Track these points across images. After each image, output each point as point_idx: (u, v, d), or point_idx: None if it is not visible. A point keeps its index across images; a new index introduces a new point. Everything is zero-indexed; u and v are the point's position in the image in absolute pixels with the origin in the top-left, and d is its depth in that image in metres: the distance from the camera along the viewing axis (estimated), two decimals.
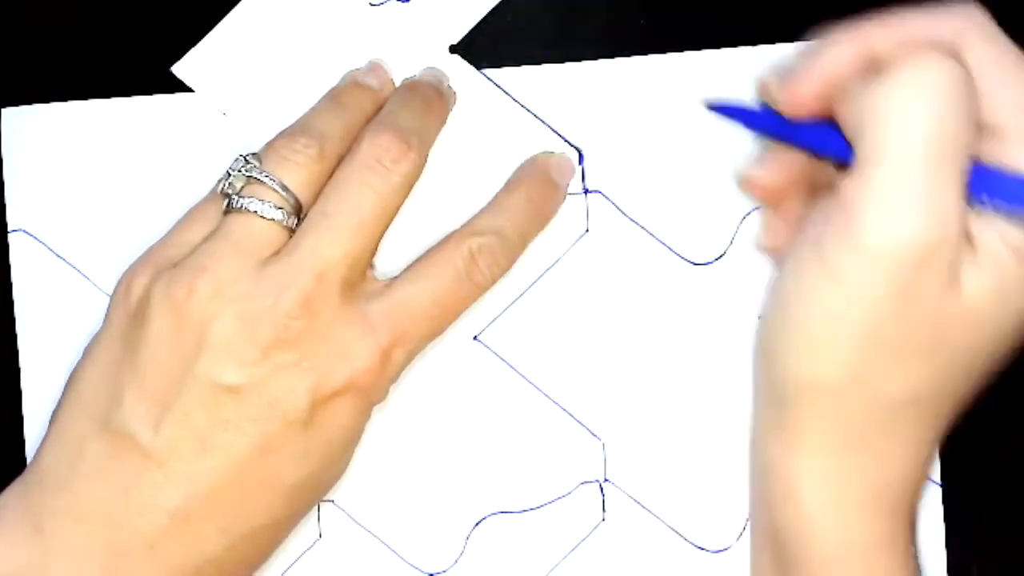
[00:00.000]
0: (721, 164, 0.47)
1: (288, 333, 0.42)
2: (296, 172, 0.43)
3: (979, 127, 0.39)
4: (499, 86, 0.48)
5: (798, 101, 0.42)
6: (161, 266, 0.43)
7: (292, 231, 0.43)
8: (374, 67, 0.47)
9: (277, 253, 0.43)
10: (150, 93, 0.48)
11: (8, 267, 0.48)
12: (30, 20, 0.48)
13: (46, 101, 0.48)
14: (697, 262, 0.48)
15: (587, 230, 0.48)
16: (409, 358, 0.44)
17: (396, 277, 0.44)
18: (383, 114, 0.45)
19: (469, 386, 0.48)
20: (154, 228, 0.47)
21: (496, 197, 0.46)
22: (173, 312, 0.42)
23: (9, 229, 0.48)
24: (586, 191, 0.48)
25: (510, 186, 0.47)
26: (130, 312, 0.43)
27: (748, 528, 0.46)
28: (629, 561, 0.48)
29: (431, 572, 0.48)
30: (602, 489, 0.48)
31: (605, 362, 0.48)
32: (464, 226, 0.45)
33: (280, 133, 0.45)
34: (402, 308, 0.44)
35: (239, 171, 0.44)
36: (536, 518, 0.48)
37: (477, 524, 0.48)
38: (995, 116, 0.39)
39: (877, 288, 0.38)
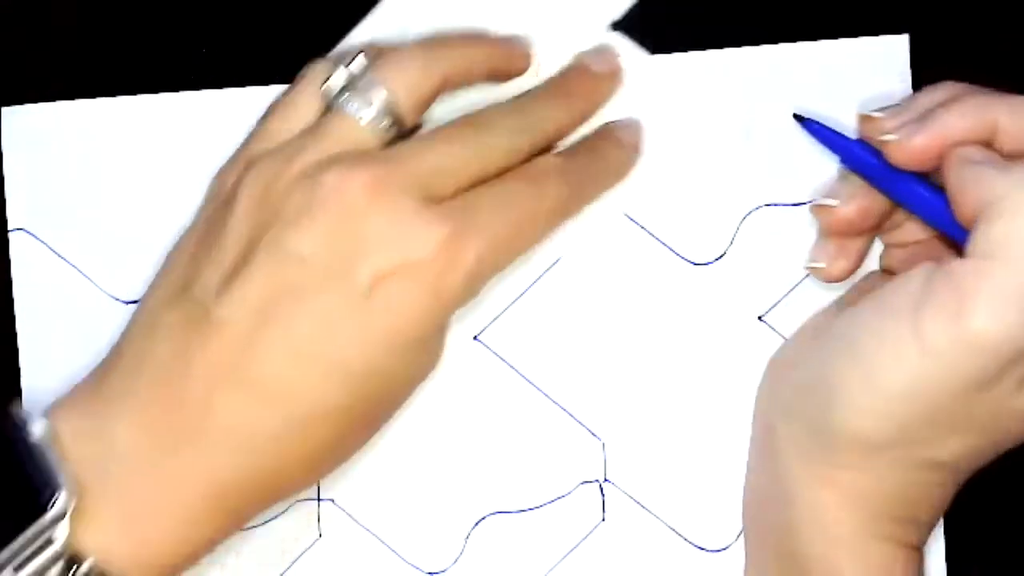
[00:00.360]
0: (721, 164, 0.47)
1: (355, 212, 0.42)
2: (405, 85, 0.44)
3: None
4: (652, 64, 0.48)
5: (909, 155, 0.42)
6: (253, 159, 0.44)
7: (389, 141, 0.43)
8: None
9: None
10: (150, 92, 0.48)
11: (8, 267, 0.48)
12: (30, 20, 0.48)
13: (46, 100, 0.48)
14: (697, 262, 0.48)
15: (587, 230, 0.48)
16: (482, 266, 0.43)
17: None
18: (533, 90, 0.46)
19: (469, 386, 0.48)
20: (154, 227, 0.47)
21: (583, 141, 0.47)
22: (259, 194, 0.43)
23: (9, 228, 0.48)
24: None
25: (598, 133, 0.47)
26: (220, 200, 0.44)
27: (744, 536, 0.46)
28: (629, 561, 0.48)
29: (431, 571, 0.48)
30: (602, 489, 0.48)
31: (605, 362, 0.48)
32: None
33: (395, 46, 0.45)
34: (475, 209, 0.43)
35: (348, 70, 0.44)
36: (536, 518, 0.48)
37: (477, 524, 0.48)
38: None
39: (968, 374, 0.39)
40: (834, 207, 0.44)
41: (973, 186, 0.40)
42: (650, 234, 0.48)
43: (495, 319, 0.48)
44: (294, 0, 0.48)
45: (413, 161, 0.43)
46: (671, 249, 0.48)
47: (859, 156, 0.44)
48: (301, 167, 0.43)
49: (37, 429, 0.41)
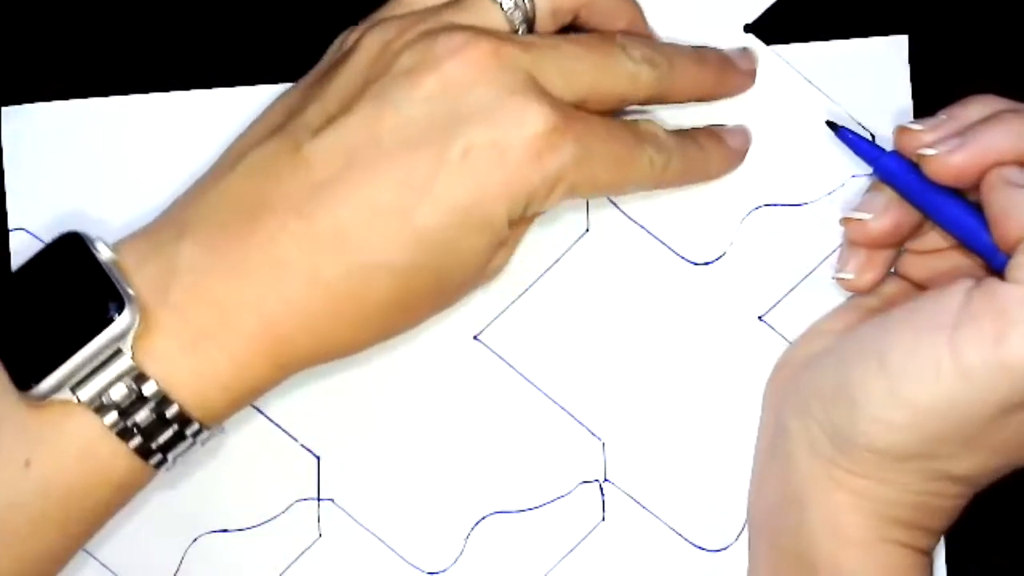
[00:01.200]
0: None
1: (468, 77, 0.42)
2: None
3: None
4: (791, 64, 0.48)
5: (948, 171, 0.42)
6: (381, 20, 0.44)
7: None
8: None
9: None
10: (150, 92, 0.48)
11: (8, 267, 0.48)
12: (30, 20, 0.48)
13: (46, 100, 0.48)
14: (697, 262, 0.48)
15: (587, 229, 0.48)
16: (564, 177, 0.42)
17: None
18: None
19: (469, 386, 0.48)
20: None
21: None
22: (378, 48, 0.43)
23: (9, 228, 0.48)
24: None
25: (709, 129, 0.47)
26: (340, 54, 0.44)
27: (747, 533, 0.46)
28: (629, 561, 0.48)
29: (431, 571, 0.48)
30: (602, 489, 0.48)
31: (605, 362, 0.48)
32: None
33: None
34: (583, 123, 0.43)
35: None
36: (536, 518, 0.48)
37: (477, 523, 0.48)
38: None
39: (1001, 398, 0.39)
40: (867, 221, 0.44)
41: (1017, 211, 0.40)
42: (650, 234, 0.48)
43: (495, 319, 0.48)
44: (294, 0, 0.48)
45: (538, 49, 0.43)
46: (671, 249, 0.48)
47: (894, 168, 0.44)
48: (425, 28, 0.43)
49: (103, 249, 0.42)
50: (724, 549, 0.48)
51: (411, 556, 0.48)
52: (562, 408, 0.48)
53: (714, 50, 0.47)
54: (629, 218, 0.48)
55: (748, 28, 0.48)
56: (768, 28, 0.48)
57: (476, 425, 0.48)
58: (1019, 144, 0.41)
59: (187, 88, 0.48)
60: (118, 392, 0.40)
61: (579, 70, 0.43)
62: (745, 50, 0.48)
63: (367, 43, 0.43)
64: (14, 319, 0.41)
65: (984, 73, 0.48)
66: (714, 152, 0.47)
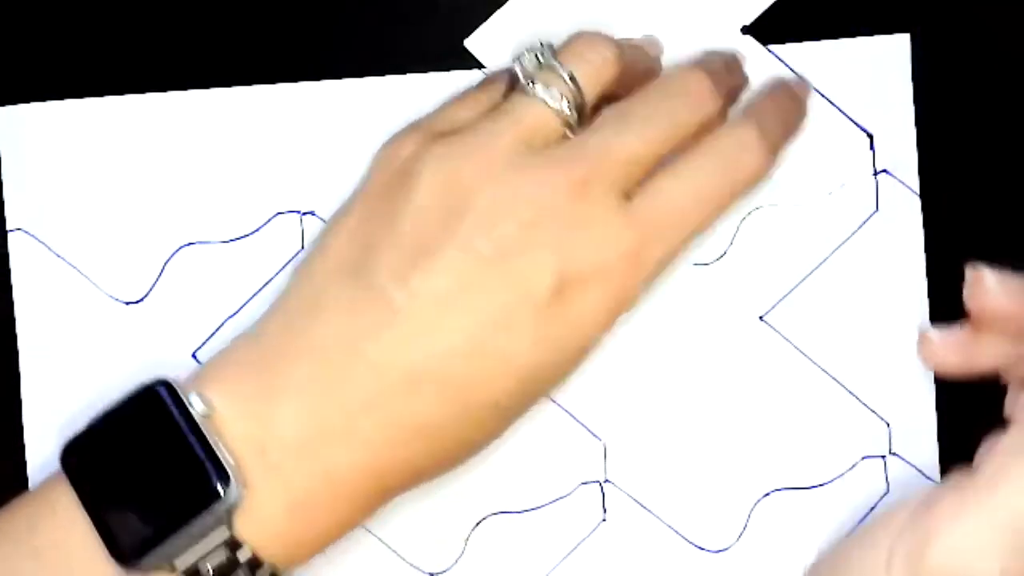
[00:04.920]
0: None
1: (550, 213, 0.41)
2: (589, 70, 0.43)
3: None
4: (788, 65, 0.48)
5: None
6: (434, 135, 0.43)
7: (571, 127, 0.43)
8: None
9: (559, 142, 0.43)
10: (148, 92, 0.48)
11: (8, 267, 0.47)
12: (28, 19, 0.48)
13: (44, 100, 0.48)
14: (697, 262, 0.48)
15: None
16: (665, 260, 0.43)
17: (660, 169, 0.43)
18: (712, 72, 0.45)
19: None
20: (154, 227, 0.47)
21: (751, 104, 0.46)
22: (444, 177, 0.42)
23: (8, 229, 0.48)
24: None
25: (761, 96, 0.47)
26: (396, 172, 0.43)
27: (747, 529, 0.46)
28: (629, 561, 0.48)
29: (431, 572, 0.48)
30: (602, 489, 0.48)
31: (605, 362, 0.48)
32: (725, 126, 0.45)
33: (579, 33, 0.45)
34: (665, 202, 0.43)
35: (533, 56, 0.44)
36: (536, 518, 0.48)
37: (477, 524, 0.48)
38: None
39: None
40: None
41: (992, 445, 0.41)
42: None
43: None
44: (292, 0, 0.48)
45: (610, 154, 0.42)
46: None
47: None
48: (492, 154, 0.42)
49: (196, 404, 0.40)
50: (725, 550, 0.48)
51: (412, 557, 0.47)
52: (562, 408, 0.48)
53: (719, 61, 0.46)
54: None
55: (746, 30, 0.48)
56: (767, 28, 0.48)
57: None
58: None
59: (185, 88, 0.48)
60: (215, 559, 0.40)
61: (651, 148, 0.43)
62: (733, 60, 0.47)
63: (431, 169, 0.42)
64: (106, 483, 0.40)
65: (987, 71, 0.48)
66: (794, 110, 0.47)
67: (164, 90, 0.48)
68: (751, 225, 0.48)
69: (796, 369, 0.48)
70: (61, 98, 0.48)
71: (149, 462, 0.40)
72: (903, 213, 0.48)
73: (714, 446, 0.48)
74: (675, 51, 0.47)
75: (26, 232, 0.48)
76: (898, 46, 0.48)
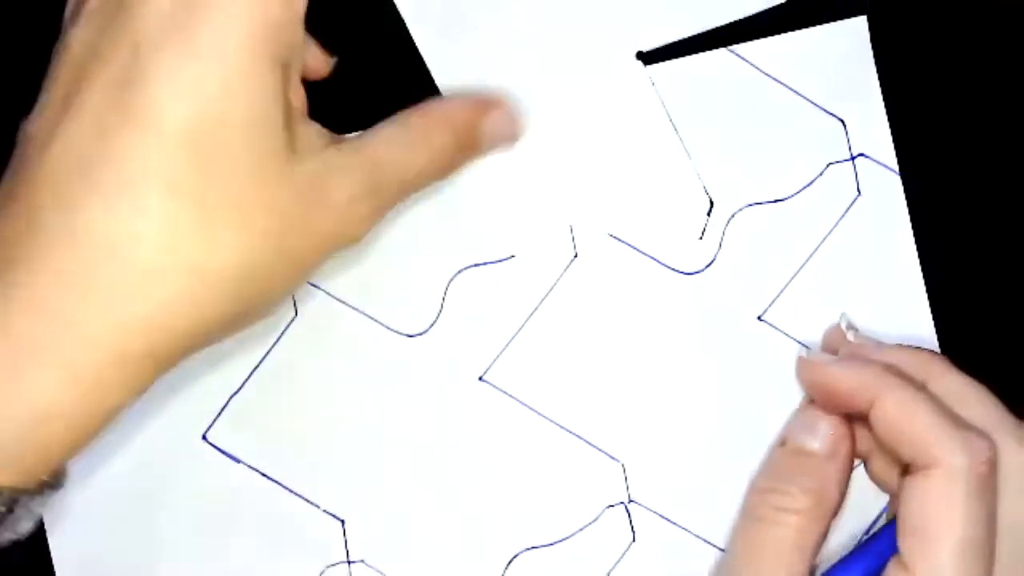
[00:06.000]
0: (700, 170, 0.47)
1: None
2: None
3: None
4: (751, 61, 0.47)
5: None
6: None
7: None
8: None
9: None
10: None
11: None
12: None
13: None
14: (688, 271, 0.48)
15: (576, 255, 0.48)
16: None
17: None
18: None
19: (481, 427, 0.48)
20: None
21: None
22: None
23: None
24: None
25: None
26: None
27: None
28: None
29: None
30: (628, 510, 0.48)
31: (612, 383, 0.48)
32: None
33: None
34: None
35: None
36: (568, 548, 0.48)
37: (510, 562, 0.48)
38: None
39: None
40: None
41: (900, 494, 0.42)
42: (638, 251, 0.48)
43: (498, 357, 0.48)
44: None
45: None
46: (660, 263, 0.48)
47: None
48: None
49: None
50: None
51: None
52: (577, 436, 0.48)
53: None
54: (615, 238, 0.48)
55: (640, 56, 0.48)
56: (727, 27, 0.48)
57: (494, 466, 0.48)
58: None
59: None
60: None
61: None
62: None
63: None
64: None
65: (947, 45, 0.48)
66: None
67: None
68: (737, 227, 0.48)
69: None
70: None
71: None
72: (885, 193, 0.48)
73: (731, 450, 0.48)
74: (569, 76, 0.47)
75: None
76: (856, 29, 0.48)
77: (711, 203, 0.47)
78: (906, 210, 0.48)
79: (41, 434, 0.36)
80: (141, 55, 0.37)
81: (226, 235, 0.37)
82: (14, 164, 0.38)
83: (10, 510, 0.37)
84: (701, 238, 0.48)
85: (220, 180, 0.37)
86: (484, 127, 0.45)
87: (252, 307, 0.39)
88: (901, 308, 0.48)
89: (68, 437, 0.37)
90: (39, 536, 0.47)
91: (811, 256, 0.48)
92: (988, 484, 0.40)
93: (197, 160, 0.36)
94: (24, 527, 0.38)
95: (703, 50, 0.47)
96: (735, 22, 0.47)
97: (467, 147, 0.44)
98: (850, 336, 0.46)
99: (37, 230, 0.36)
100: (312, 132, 0.40)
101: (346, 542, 0.48)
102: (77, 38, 0.38)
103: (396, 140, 0.42)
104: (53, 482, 0.38)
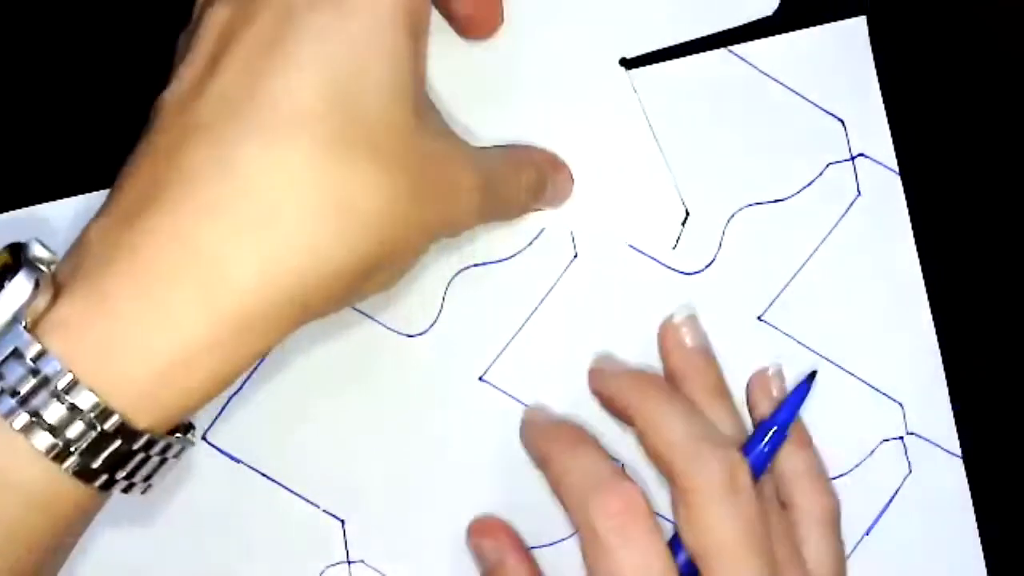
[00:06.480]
0: (702, 170, 0.48)
1: None
2: None
3: None
4: (750, 61, 0.48)
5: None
6: None
7: None
8: None
9: None
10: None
11: None
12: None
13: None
14: (689, 272, 0.48)
15: (576, 255, 0.48)
16: None
17: None
18: None
19: (483, 427, 0.48)
20: None
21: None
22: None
23: None
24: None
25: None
26: None
27: None
28: None
29: None
30: None
31: None
32: None
33: None
34: None
35: None
36: (567, 548, 0.47)
37: None
38: None
39: None
40: None
41: None
42: (638, 251, 0.48)
43: (498, 357, 0.48)
44: None
45: None
46: (661, 263, 0.48)
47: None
48: None
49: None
50: None
51: None
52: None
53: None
54: (616, 238, 0.48)
55: (624, 62, 0.48)
56: (726, 31, 0.48)
57: (495, 465, 0.47)
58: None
59: None
60: (13, 374, 0.34)
61: None
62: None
63: None
64: None
65: (947, 45, 0.48)
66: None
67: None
68: (737, 227, 0.48)
69: (802, 363, 0.48)
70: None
71: None
72: (885, 193, 0.48)
73: None
74: (553, 85, 0.47)
75: None
76: (856, 29, 0.48)
77: (687, 212, 0.48)
78: (906, 210, 0.48)
79: (179, 372, 0.35)
80: (294, 15, 0.37)
81: (370, 178, 0.37)
82: (147, 131, 0.38)
83: (147, 457, 0.36)
84: (675, 248, 0.48)
85: (364, 129, 0.37)
86: (556, 182, 0.46)
87: (390, 256, 0.38)
88: (901, 308, 0.48)
89: (206, 380, 0.36)
90: None
91: (811, 256, 0.48)
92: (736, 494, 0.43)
93: (344, 108, 0.36)
94: (157, 479, 0.37)
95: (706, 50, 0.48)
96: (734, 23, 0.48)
97: (539, 193, 0.46)
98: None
99: (182, 168, 0.36)
100: (434, 111, 0.41)
101: (346, 542, 0.48)
102: (220, 13, 0.38)
103: (503, 159, 0.45)
104: (184, 434, 0.37)
